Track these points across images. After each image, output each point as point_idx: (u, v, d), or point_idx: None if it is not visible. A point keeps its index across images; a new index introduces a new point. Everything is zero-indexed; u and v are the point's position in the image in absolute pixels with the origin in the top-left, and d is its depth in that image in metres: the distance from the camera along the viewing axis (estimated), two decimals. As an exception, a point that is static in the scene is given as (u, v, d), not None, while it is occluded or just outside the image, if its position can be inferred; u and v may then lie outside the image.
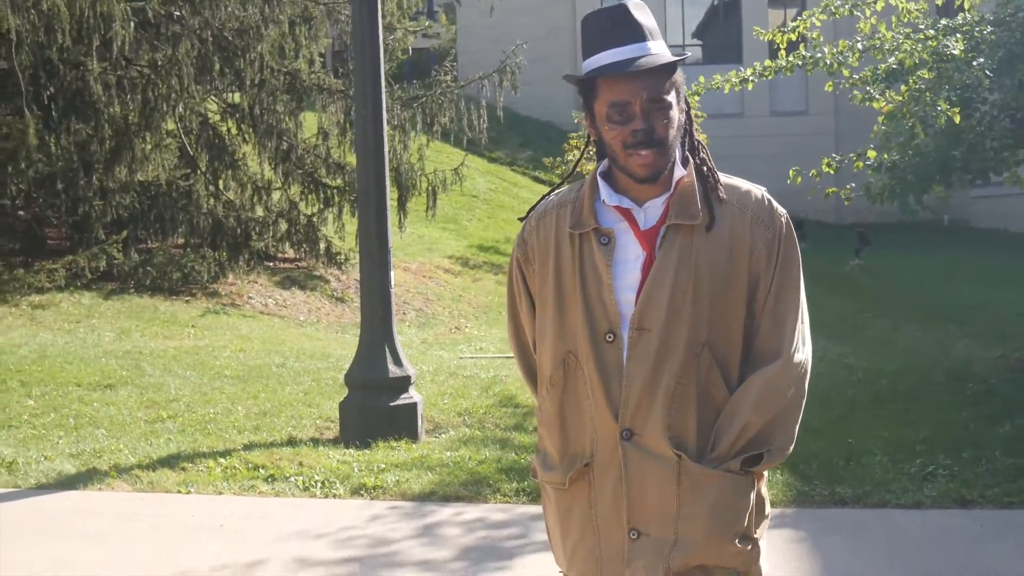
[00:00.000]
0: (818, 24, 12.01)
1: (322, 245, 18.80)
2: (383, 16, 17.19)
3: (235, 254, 17.52)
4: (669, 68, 2.58)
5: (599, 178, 2.69)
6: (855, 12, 11.90)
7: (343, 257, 19.08)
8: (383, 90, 8.60)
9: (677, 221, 2.58)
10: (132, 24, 14.33)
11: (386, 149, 8.70)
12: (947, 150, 10.70)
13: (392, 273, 8.67)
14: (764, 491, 2.68)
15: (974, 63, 10.13)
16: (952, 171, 11.08)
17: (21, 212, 16.74)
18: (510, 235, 24.68)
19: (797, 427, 2.65)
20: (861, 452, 7.68)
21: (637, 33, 2.58)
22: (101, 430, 8.43)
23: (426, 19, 39.77)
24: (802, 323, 2.67)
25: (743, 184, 2.71)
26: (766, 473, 2.69)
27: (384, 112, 8.64)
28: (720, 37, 41.48)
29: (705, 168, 2.68)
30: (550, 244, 2.70)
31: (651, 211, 2.63)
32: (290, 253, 19.35)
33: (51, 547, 6.00)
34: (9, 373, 10.19)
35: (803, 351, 2.65)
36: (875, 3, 11.80)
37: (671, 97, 2.58)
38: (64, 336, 12.48)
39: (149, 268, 16.03)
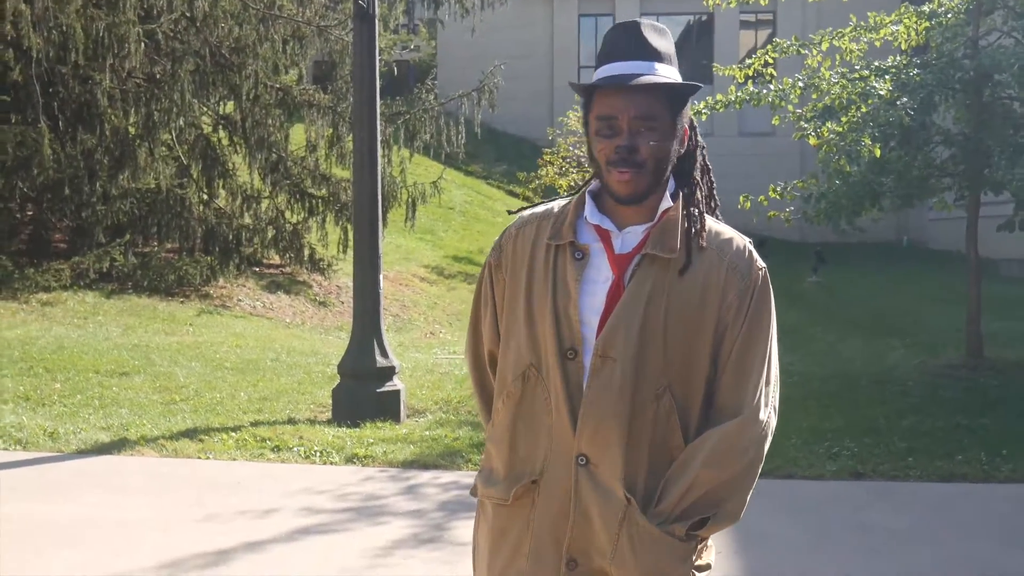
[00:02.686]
0: (771, 61, 13.36)
1: (306, 252, 20.00)
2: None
3: (226, 259, 18.70)
4: (668, 92, 2.52)
5: (588, 196, 2.63)
6: (802, 51, 13.29)
7: (326, 263, 20.29)
8: (378, 116, 9.87)
9: (652, 252, 2.50)
10: (143, 45, 15.55)
11: (380, 168, 9.98)
12: (875, 178, 12.05)
13: (381, 276, 9.94)
14: (710, 556, 2.58)
15: (898, 103, 11.48)
16: (881, 196, 12.42)
17: (30, 214, 17.90)
18: (484, 246, 25.93)
19: (750, 493, 2.52)
20: (780, 436, 8.99)
21: (646, 52, 2.52)
22: (124, 409, 9.67)
23: (407, 33, 41.00)
24: (767, 383, 2.55)
25: (727, 231, 2.62)
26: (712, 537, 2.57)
27: (379, 135, 9.91)
28: (693, 58, 42.86)
29: (695, 209, 2.58)
30: (526, 254, 2.63)
31: (629, 237, 2.55)
32: (276, 259, 20.51)
33: (98, 495, 7.25)
34: (34, 361, 11.40)
35: (765, 411, 2.53)
36: (820, 43, 13.19)
37: (664, 121, 2.50)
38: (76, 330, 13.68)
39: (147, 270, 17.22)
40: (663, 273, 2.50)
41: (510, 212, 2.86)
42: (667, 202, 2.56)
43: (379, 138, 9.94)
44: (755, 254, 2.60)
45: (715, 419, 2.51)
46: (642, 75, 2.47)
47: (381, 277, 9.95)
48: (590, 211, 2.59)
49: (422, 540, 6.52)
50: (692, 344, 2.50)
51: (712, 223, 2.61)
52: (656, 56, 2.53)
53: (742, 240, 2.61)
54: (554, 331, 2.51)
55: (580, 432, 2.46)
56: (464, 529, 6.71)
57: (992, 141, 11.92)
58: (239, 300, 17.88)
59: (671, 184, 2.58)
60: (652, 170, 2.49)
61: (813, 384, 11.99)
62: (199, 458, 8.32)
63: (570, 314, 2.51)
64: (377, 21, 10.12)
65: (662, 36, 2.57)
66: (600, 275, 2.53)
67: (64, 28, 14.90)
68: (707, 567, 2.55)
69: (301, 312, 18.50)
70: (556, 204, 2.71)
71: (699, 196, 2.61)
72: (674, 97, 2.53)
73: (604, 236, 2.56)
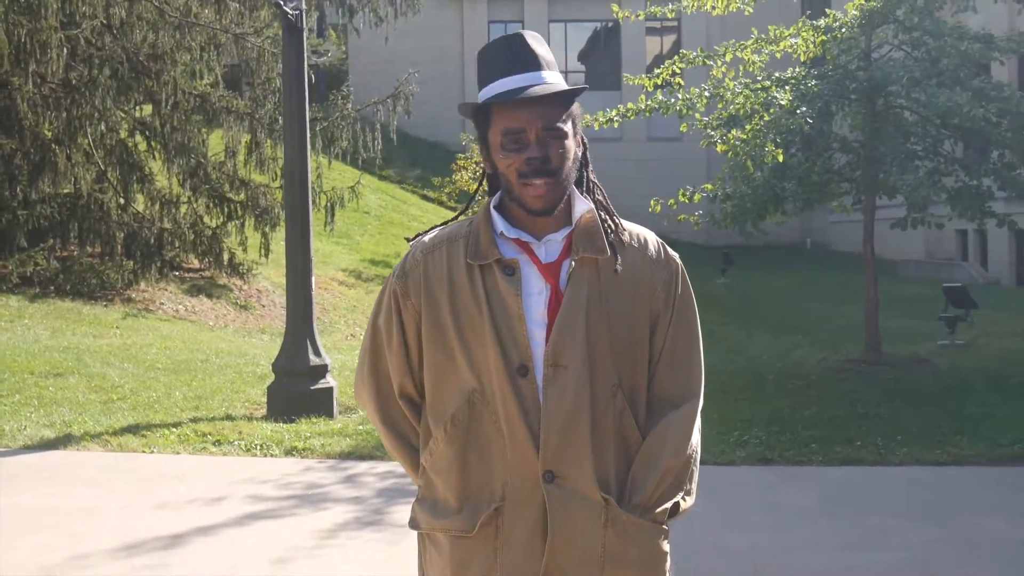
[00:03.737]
0: (678, 71, 14.00)
1: (225, 256, 20.24)
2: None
3: (148, 263, 18.88)
4: (564, 98, 2.54)
5: (493, 211, 2.61)
6: (707, 62, 13.95)
7: (245, 268, 20.54)
8: (307, 126, 10.31)
9: (584, 254, 2.52)
10: (65, 51, 15.77)
11: (310, 177, 10.41)
12: (778, 183, 12.76)
13: (313, 278, 10.38)
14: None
15: (798, 111, 12.19)
16: (783, 200, 13.14)
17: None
18: (400, 250, 26.36)
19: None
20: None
21: (532, 62, 2.53)
22: (64, 408, 10.00)
23: (317, 37, 41.19)
24: (700, 365, 2.67)
25: (636, 227, 2.68)
26: None
27: (308, 146, 10.35)
28: (601, 63, 43.56)
29: (603, 211, 2.62)
30: (442, 279, 2.57)
31: (551, 245, 2.56)
32: (195, 263, 20.74)
33: (51, 487, 7.63)
34: (-34, 363, 11.65)
35: (703, 393, 2.67)
36: (724, 55, 13.87)
37: (567, 127, 2.52)
38: (3, 333, 13.89)
39: (70, 275, 17.41)
40: (596, 275, 2.53)
41: (408, 239, 2.77)
42: (583, 204, 2.57)
43: (308, 149, 10.38)
44: (667, 246, 2.69)
45: (661, 405, 2.58)
46: (536, 85, 2.50)
47: (313, 279, 10.38)
48: (504, 226, 2.57)
49: (364, 523, 7.00)
50: (633, 339, 2.55)
51: (624, 222, 2.65)
52: (543, 65, 2.55)
53: (652, 234, 2.70)
54: (498, 351, 2.48)
55: (544, 448, 2.45)
56: (402, 512, 7.20)
57: (885, 148, 12.69)
58: (161, 304, 18.13)
59: (573, 187, 2.60)
60: (563, 177, 2.51)
61: (723, 379, 12.64)
62: (144, 452, 8.70)
63: (516, 331, 2.49)
64: (305, 34, 10.55)
65: (541, 44, 2.59)
66: (533, 288, 2.53)
67: (-13, 35, 15.10)
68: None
69: (223, 315, 18.79)
70: (456, 226, 2.67)
71: (602, 197, 2.65)
72: (569, 102, 2.56)
73: (526, 248, 2.56)
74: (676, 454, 2.53)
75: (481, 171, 2.72)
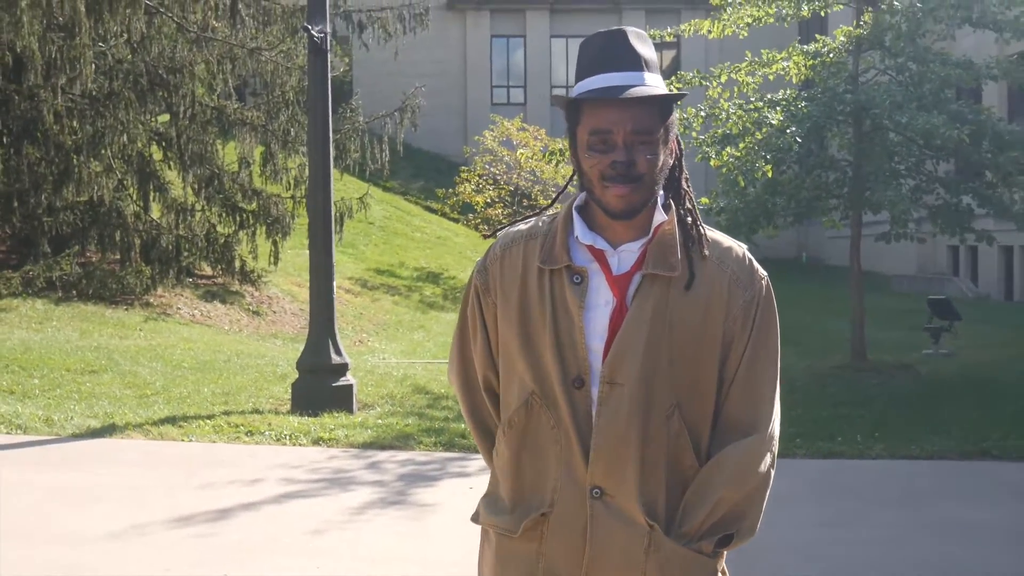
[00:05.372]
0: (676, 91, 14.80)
1: (237, 264, 21.00)
2: (296, 56, 19.86)
3: (165, 269, 19.66)
4: (661, 104, 2.44)
5: (575, 212, 2.53)
6: (704, 83, 14.76)
7: (256, 275, 21.30)
8: (331, 143, 11.09)
9: (654, 271, 2.42)
10: (93, 66, 16.58)
11: (332, 187, 11.19)
12: (770, 198, 13.56)
13: (335, 283, 11.16)
14: (725, 569, 2.53)
15: (787, 131, 12.99)
16: (774, 215, 13.94)
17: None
18: (404, 260, 27.19)
19: (765, 505, 2.50)
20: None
21: (634, 62, 2.43)
22: (103, 401, 10.77)
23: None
24: (775, 395, 2.55)
25: (724, 239, 2.54)
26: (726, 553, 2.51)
27: (331, 160, 11.13)
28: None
29: (689, 219, 2.50)
30: (516, 277, 2.52)
31: (625, 256, 2.46)
32: (207, 270, 21.49)
33: (104, 468, 8.42)
34: (7, 360, 12.38)
35: (776, 425, 2.54)
36: (720, 76, 14.67)
37: (658, 134, 2.42)
38: (36, 334, 14.64)
39: (91, 280, 18.19)
40: (665, 291, 2.42)
41: (485, 236, 2.74)
42: (660, 215, 2.47)
43: (331, 164, 11.17)
44: (755, 263, 2.53)
45: (726, 433, 2.47)
46: (634, 86, 2.40)
47: (334, 284, 11.15)
48: (581, 230, 2.48)
49: (388, 503, 7.77)
50: (698, 361, 2.43)
51: (708, 231, 2.53)
52: (644, 65, 2.45)
53: (740, 248, 2.54)
54: (557, 359, 2.42)
55: (593, 464, 2.39)
56: (423, 494, 8.00)
57: (870, 167, 13.50)
58: (179, 308, 18.88)
59: (660, 196, 2.49)
60: (649, 184, 2.41)
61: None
62: (182, 441, 9.48)
63: (575, 341, 2.42)
64: (329, 55, 11.33)
65: (646, 44, 2.48)
66: (600, 299, 2.44)
67: (19, 50, 15.85)
68: None
69: (237, 320, 19.54)
70: (539, 221, 2.61)
71: (691, 206, 2.54)
72: (665, 108, 2.46)
73: (599, 256, 2.47)
74: (736, 485, 2.41)
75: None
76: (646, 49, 2.46)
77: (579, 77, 2.47)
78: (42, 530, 6.77)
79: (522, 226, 2.61)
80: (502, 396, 2.58)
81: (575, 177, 2.55)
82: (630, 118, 2.38)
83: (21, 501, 7.38)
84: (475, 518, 2.64)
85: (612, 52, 2.44)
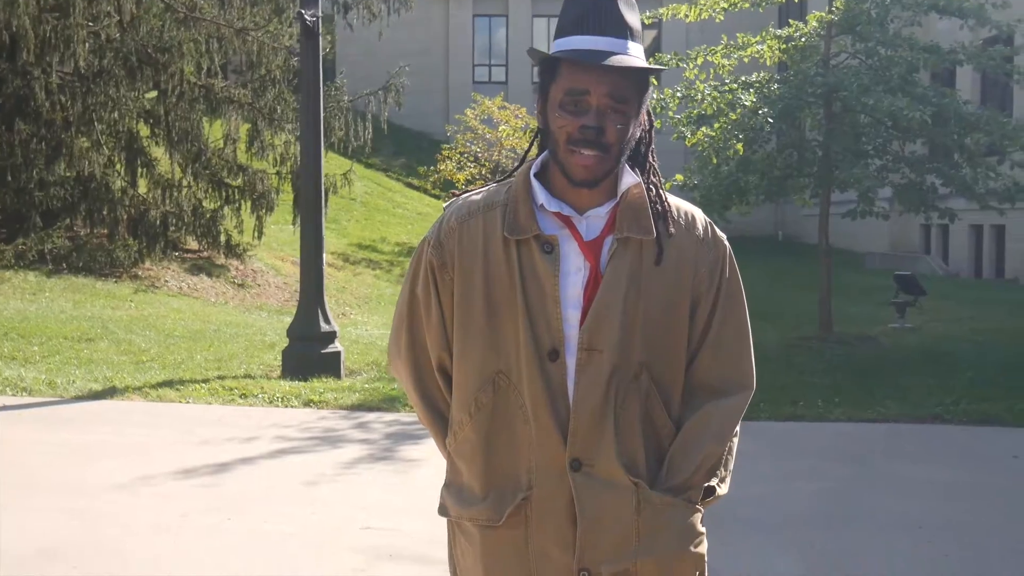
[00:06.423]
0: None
1: (222, 238, 21.46)
2: (282, 36, 20.29)
3: (152, 243, 20.12)
4: (639, 75, 2.39)
5: (534, 179, 2.47)
6: (680, 65, 15.28)
7: (241, 249, 21.76)
8: (321, 122, 11.60)
9: (628, 234, 2.40)
10: (86, 45, 17.01)
11: (322, 166, 11.71)
12: (742, 176, 14.12)
13: (324, 255, 11.67)
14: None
15: (759, 112, 13.54)
16: (747, 192, 14.49)
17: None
18: (386, 235, 27.70)
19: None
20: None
21: (620, 28, 2.38)
22: (102, 366, 11.28)
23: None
24: (751, 351, 2.60)
25: (685, 205, 2.55)
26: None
27: (322, 138, 11.62)
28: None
29: (653, 188, 2.48)
30: (476, 250, 2.44)
31: (593, 221, 2.43)
32: (193, 244, 21.95)
33: (107, 427, 8.95)
34: (6, 329, 12.87)
35: (754, 382, 2.59)
36: (696, 58, 15.20)
37: (633, 104, 2.38)
38: (31, 304, 15.12)
39: (81, 253, 18.66)
40: (638, 254, 2.42)
41: (446, 206, 2.58)
42: (630, 178, 2.45)
43: (322, 142, 11.67)
44: (716, 227, 2.56)
45: (700, 392, 2.49)
46: (617, 53, 2.34)
47: (324, 256, 11.67)
48: (545, 198, 2.43)
49: (376, 458, 8.32)
50: (669, 322, 2.44)
51: (671, 198, 2.52)
52: (630, 33, 2.39)
53: (701, 214, 2.56)
54: (528, 333, 2.38)
55: (572, 436, 2.36)
56: (409, 451, 8.55)
57: (838, 147, 14.08)
58: (166, 281, 19.36)
59: (625, 166, 2.46)
60: (615, 155, 2.38)
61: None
62: (180, 402, 10.02)
63: (549, 312, 2.38)
64: (320, 37, 11.80)
65: (633, 11, 2.43)
66: (571, 266, 2.41)
67: (15, 29, 16.28)
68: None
69: (223, 293, 20.02)
70: (494, 190, 2.54)
71: (656, 179, 2.52)
72: (643, 80, 2.42)
73: (567, 222, 2.43)
74: (719, 441, 2.46)
75: (534, 129, 2.57)
76: (633, 17, 2.41)
77: (561, 33, 2.42)
78: (58, 482, 7.30)
79: (475, 196, 2.54)
80: (459, 379, 2.49)
81: (538, 138, 2.55)
82: (608, 84, 2.34)
83: (33, 457, 7.90)
84: (443, 511, 2.56)
85: (600, 14, 2.38)
